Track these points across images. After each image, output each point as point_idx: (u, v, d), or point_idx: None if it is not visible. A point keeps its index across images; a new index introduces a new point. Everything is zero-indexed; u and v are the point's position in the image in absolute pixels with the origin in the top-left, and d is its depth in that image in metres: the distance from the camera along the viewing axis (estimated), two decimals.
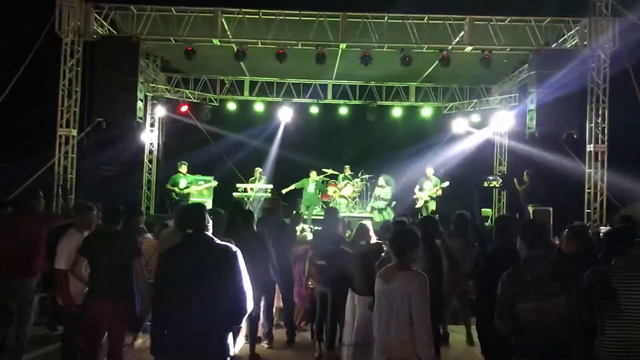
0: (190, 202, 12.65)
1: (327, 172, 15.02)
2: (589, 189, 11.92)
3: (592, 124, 11.85)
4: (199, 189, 13.24)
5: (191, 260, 3.83)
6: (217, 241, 3.95)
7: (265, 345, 7.25)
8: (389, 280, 4.07)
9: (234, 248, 3.93)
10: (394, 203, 13.70)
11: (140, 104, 11.99)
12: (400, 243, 4.18)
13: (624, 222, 5.32)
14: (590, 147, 11.90)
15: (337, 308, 6.65)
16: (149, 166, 15.42)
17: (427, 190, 13.41)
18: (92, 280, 5.09)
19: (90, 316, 5.04)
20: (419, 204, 13.49)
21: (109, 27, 12.14)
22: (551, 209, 11.28)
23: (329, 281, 6.76)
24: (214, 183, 13.45)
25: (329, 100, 15.90)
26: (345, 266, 6.30)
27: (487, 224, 10.27)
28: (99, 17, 11.82)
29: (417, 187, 13.62)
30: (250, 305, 3.87)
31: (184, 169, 12.96)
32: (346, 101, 15.94)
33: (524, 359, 3.78)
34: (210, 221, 4.05)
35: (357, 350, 6.13)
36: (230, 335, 3.95)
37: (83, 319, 5.10)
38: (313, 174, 14.23)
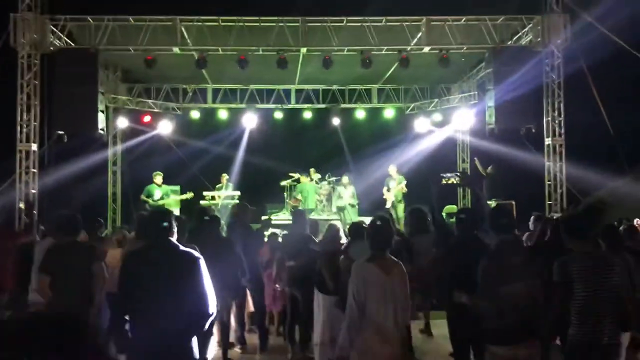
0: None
1: (293, 177, 15.08)
2: (549, 181, 12.24)
3: (549, 118, 12.18)
4: (175, 200, 13.12)
5: (153, 265, 3.83)
6: (181, 247, 3.97)
7: (238, 350, 7.26)
8: (389, 271, 4.13)
9: (196, 254, 3.93)
10: (356, 202, 13.84)
11: (101, 116, 11.86)
12: (389, 236, 4.28)
13: (586, 210, 5.54)
14: (548, 141, 12.22)
15: (308, 308, 6.71)
16: (113, 178, 15.23)
17: (393, 189, 13.58)
18: (53, 294, 4.97)
19: None
20: (388, 204, 13.67)
21: (66, 39, 11.98)
22: (514, 203, 11.60)
23: (298, 282, 6.82)
24: (190, 194, 13.29)
25: (293, 105, 15.96)
26: (313, 266, 6.37)
27: (452, 220, 10.48)
28: (55, 30, 11.67)
29: (385, 187, 13.76)
30: (212, 311, 3.90)
31: (158, 179, 12.64)
32: (310, 105, 16.02)
33: (501, 342, 3.89)
34: (175, 227, 4.07)
35: (324, 348, 6.23)
36: (195, 340, 3.97)
37: None
38: (303, 178, 14.19)
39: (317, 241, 7.04)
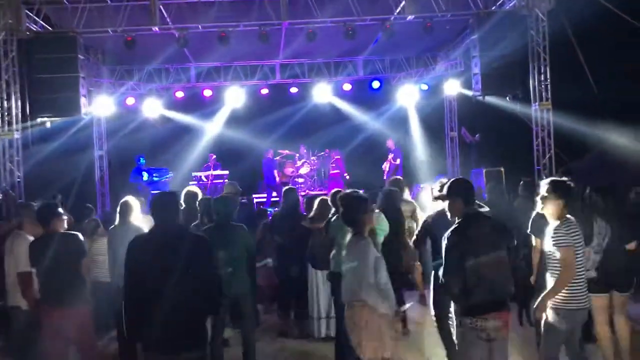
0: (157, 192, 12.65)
1: (283, 153, 15.03)
2: (537, 146, 12.21)
3: (536, 83, 12.10)
4: (158, 182, 13.25)
5: (163, 249, 3.74)
6: (189, 231, 3.94)
7: (231, 329, 7.26)
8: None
9: (206, 237, 3.94)
10: None
11: (84, 100, 11.67)
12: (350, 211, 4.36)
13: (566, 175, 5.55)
14: (535, 105, 12.16)
15: (300, 284, 6.73)
16: (100, 162, 15.07)
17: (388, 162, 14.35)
18: (42, 288, 4.90)
19: (46, 326, 4.84)
20: (385, 176, 14.03)
21: (43, 23, 11.73)
22: (502, 169, 11.63)
23: (289, 258, 6.82)
24: (170, 175, 13.46)
25: (278, 80, 15.77)
26: (305, 242, 6.38)
27: None
28: (30, 14, 11.39)
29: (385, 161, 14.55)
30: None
31: (142, 162, 13.12)
32: (295, 80, 15.83)
33: (473, 317, 3.84)
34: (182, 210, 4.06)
35: (321, 322, 6.27)
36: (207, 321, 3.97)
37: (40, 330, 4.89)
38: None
39: (307, 217, 7.01)
